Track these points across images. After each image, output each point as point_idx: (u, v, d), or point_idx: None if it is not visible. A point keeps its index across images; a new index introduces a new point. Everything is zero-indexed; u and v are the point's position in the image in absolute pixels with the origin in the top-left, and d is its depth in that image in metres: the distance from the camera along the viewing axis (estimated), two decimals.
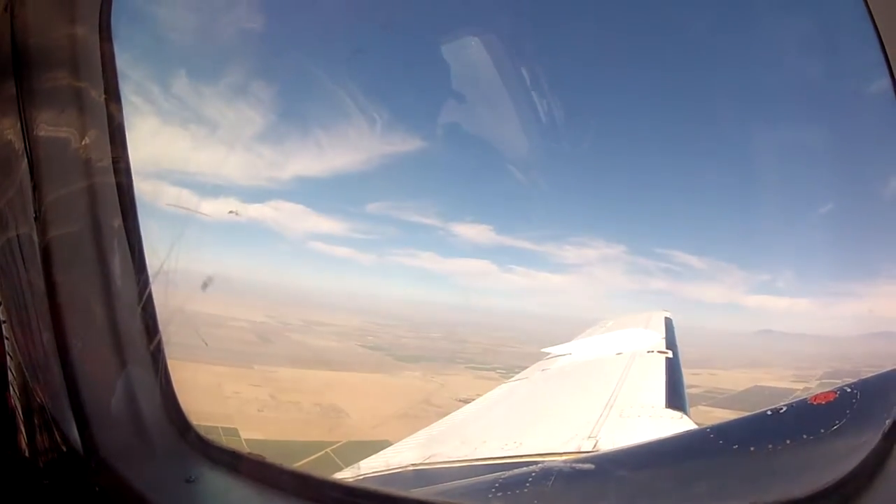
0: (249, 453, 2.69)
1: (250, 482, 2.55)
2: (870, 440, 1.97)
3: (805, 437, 2.37)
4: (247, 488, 2.55)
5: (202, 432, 2.72)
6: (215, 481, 2.58)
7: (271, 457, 2.63)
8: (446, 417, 7.46)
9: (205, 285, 3.29)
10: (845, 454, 2.06)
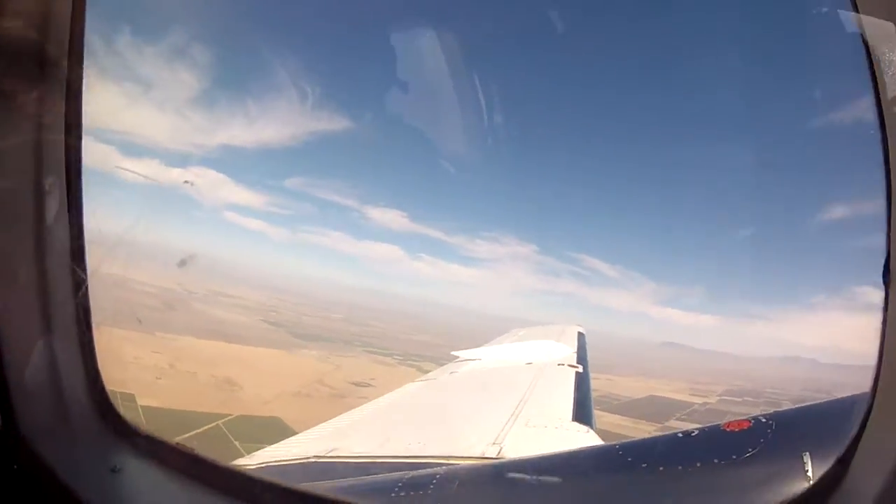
0: (177, 444, 2.58)
1: (175, 473, 2.43)
2: (784, 471, 2.04)
3: (716, 461, 2.38)
4: (172, 480, 2.42)
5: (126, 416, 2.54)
6: (139, 471, 2.42)
7: (164, 425, 2.50)
8: (352, 411, 7.32)
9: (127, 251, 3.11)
10: (758, 482, 2.14)
